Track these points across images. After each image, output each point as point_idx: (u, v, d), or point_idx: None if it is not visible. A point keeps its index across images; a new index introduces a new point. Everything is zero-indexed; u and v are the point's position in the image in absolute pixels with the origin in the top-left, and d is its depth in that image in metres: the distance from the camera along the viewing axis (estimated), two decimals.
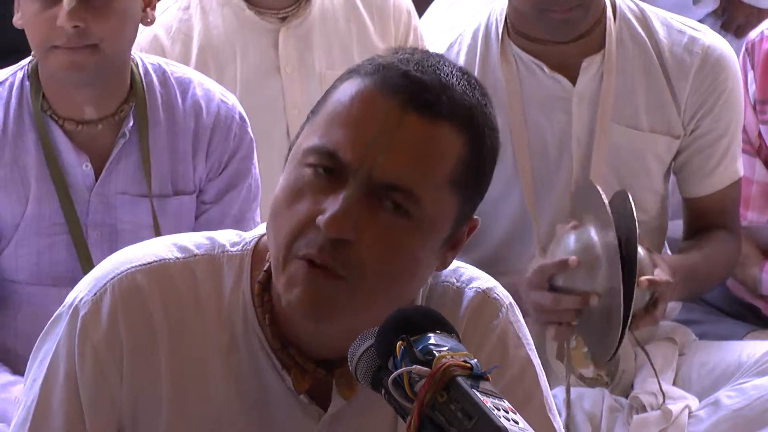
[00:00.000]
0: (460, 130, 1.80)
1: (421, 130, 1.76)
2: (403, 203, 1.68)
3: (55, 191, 3.38)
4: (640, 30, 3.72)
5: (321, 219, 1.61)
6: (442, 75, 1.84)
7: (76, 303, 1.96)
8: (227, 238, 2.00)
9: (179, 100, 3.48)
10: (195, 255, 2.02)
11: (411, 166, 1.75)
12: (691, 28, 3.71)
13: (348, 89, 1.77)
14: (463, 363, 1.60)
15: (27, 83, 3.43)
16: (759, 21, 4.78)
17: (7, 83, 3.44)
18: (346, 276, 1.70)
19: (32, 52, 3.38)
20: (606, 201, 3.39)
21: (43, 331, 2.04)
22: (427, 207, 1.75)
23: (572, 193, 3.55)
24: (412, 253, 1.79)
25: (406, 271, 1.81)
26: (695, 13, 5.29)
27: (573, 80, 3.53)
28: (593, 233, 3.36)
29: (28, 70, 3.37)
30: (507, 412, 1.52)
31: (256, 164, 3.50)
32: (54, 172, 3.39)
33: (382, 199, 1.67)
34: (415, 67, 1.82)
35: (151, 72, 3.38)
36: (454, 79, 1.84)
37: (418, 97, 1.76)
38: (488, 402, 1.51)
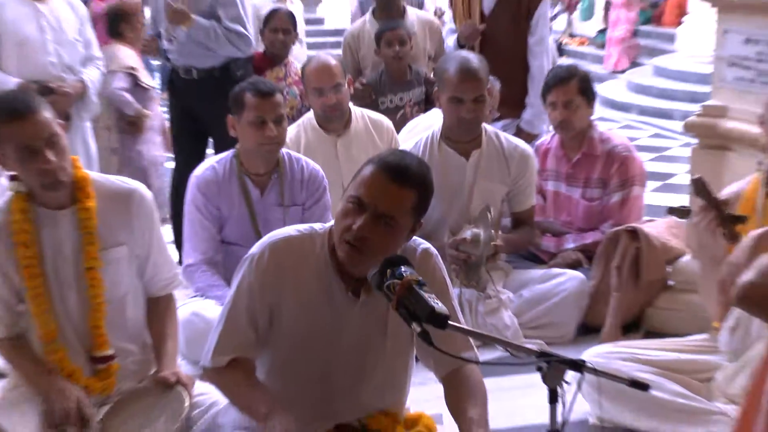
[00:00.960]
0: (414, 188, 3.05)
1: (396, 189, 3.01)
2: (389, 222, 2.99)
3: (245, 203, 4.94)
4: (494, 139, 5.39)
5: (354, 227, 2.96)
6: (407, 162, 3.11)
7: (251, 254, 3.22)
8: (317, 225, 3.27)
9: (296, 166, 5.06)
10: (304, 232, 3.25)
11: (392, 206, 2.99)
12: (515, 141, 5.48)
13: (367, 169, 3.02)
14: (415, 278, 2.78)
15: (234, 159, 4.98)
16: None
17: (225, 159, 5.01)
18: (363, 250, 2.98)
19: (237, 145, 4.97)
20: (488, 213, 5.11)
21: (238, 266, 3.31)
22: (400, 222, 3.02)
23: (470, 210, 5.30)
24: (393, 241, 3.07)
25: (389, 248, 3.03)
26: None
27: (467, 158, 5.33)
28: (475, 228, 5.11)
29: (235, 152, 4.99)
30: (435, 301, 2.73)
31: (328, 195, 5.16)
32: (245, 194, 4.96)
33: (379, 220, 2.97)
34: (394, 159, 3.11)
35: (285, 154, 5.09)
36: (414, 163, 3.11)
37: (395, 174, 3.01)
38: (425, 295, 2.71)
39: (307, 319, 3.14)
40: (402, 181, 2.95)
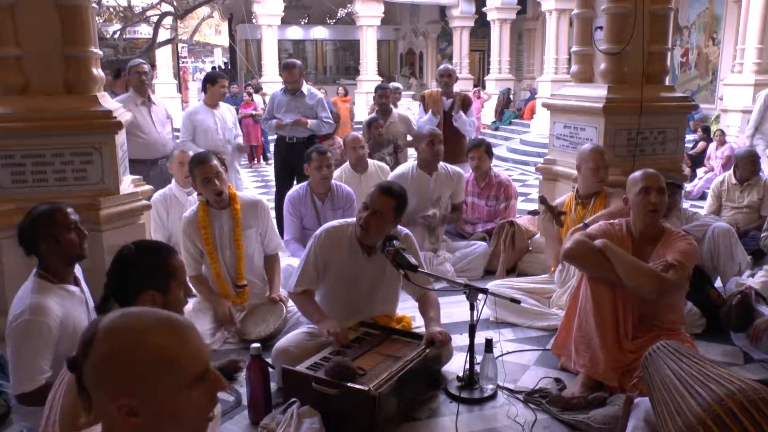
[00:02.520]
0: (394, 198, 3.21)
1: (385, 198, 3.19)
2: (380, 215, 3.16)
3: (313, 209, 4.73)
4: (444, 168, 5.07)
5: (362, 217, 3.18)
6: (392, 186, 3.28)
7: (316, 234, 3.36)
8: (350, 219, 3.40)
9: (340, 190, 4.80)
10: (342, 223, 3.41)
11: (381, 206, 3.17)
12: (455, 168, 5.15)
13: (372, 190, 3.26)
14: (401, 247, 3.14)
15: (308, 186, 4.76)
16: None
17: (303, 186, 4.83)
18: (367, 230, 3.17)
19: (309, 179, 4.75)
20: (440, 202, 4.97)
21: (309, 241, 3.42)
22: (386, 216, 3.19)
23: (432, 201, 4.96)
24: (383, 226, 3.21)
25: (381, 230, 3.20)
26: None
27: (431, 176, 5.01)
28: (434, 209, 4.90)
29: (308, 183, 4.75)
30: (411, 258, 3.10)
31: (356, 204, 4.68)
32: (314, 204, 4.72)
33: (375, 214, 3.15)
34: (385, 184, 3.31)
35: (334, 183, 4.78)
36: (396, 187, 3.29)
37: (383, 191, 3.20)
38: (406, 255, 3.11)
39: (343, 267, 3.34)
40: (387, 194, 3.21)
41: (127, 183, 3.98)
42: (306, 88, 6.10)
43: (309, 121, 5.96)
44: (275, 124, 6.06)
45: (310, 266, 3.33)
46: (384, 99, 6.78)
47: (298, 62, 6.09)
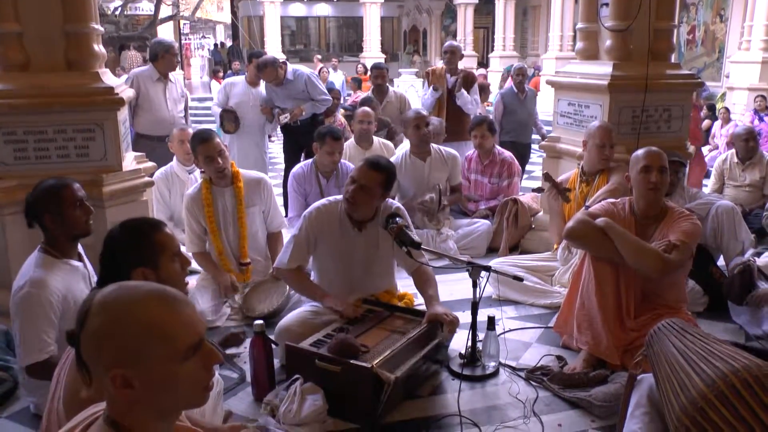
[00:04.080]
0: (381, 172, 3.16)
1: (372, 174, 3.15)
2: (366, 190, 3.12)
3: (318, 186, 4.69)
4: (438, 151, 5.12)
5: (349, 191, 3.13)
6: (380, 161, 3.24)
7: (306, 212, 3.36)
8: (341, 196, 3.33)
9: (345, 168, 4.68)
10: (333, 201, 3.36)
11: (367, 180, 3.13)
12: (449, 150, 5.21)
13: (360, 165, 3.23)
14: (404, 224, 3.17)
15: (313, 163, 4.73)
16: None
17: (308, 163, 4.79)
18: (353, 204, 3.14)
19: (315, 156, 4.71)
20: (438, 187, 4.94)
21: (300, 218, 3.50)
22: (373, 191, 3.14)
23: (428, 186, 5.00)
24: (370, 201, 3.19)
25: (367, 204, 3.19)
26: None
27: (424, 161, 5.08)
28: (431, 194, 4.90)
29: (314, 160, 4.73)
30: (414, 235, 3.20)
31: None
32: (318, 181, 4.69)
33: (362, 188, 3.11)
34: (373, 158, 3.25)
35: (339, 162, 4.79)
36: (384, 161, 3.27)
37: (370, 165, 3.17)
38: (409, 233, 3.16)
39: (335, 243, 3.34)
40: (374, 168, 3.18)
41: (130, 160, 3.98)
42: (291, 71, 5.99)
43: (303, 108, 5.96)
44: (272, 127, 6.27)
45: (302, 242, 3.33)
46: (380, 79, 6.75)
47: (270, 59, 5.96)
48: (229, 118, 6.00)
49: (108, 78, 3.84)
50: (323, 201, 3.44)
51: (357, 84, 13.07)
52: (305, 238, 3.33)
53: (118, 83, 3.98)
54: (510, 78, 7.80)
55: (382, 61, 19.33)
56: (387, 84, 6.95)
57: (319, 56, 18.56)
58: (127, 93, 3.97)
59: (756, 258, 3.82)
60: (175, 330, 1.21)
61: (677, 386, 2.04)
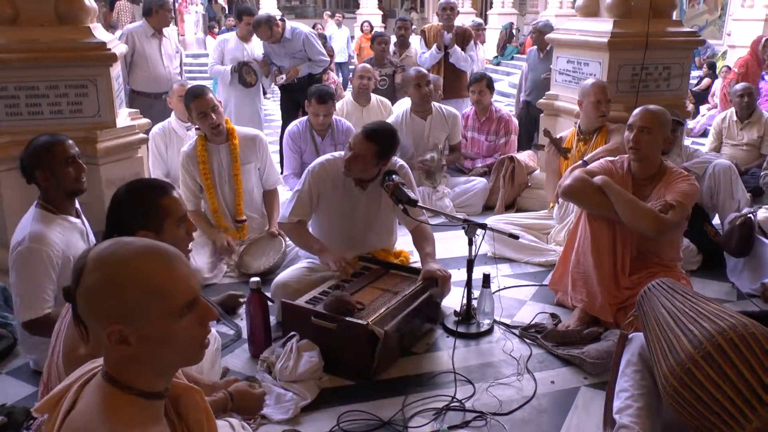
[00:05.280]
0: (376, 143, 3.12)
1: (366, 144, 3.11)
2: (362, 160, 3.10)
3: (313, 144, 4.70)
4: (439, 109, 5.08)
5: (345, 158, 3.12)
6: (378, 129, 3.16)
7: (310, 166, 3.34)
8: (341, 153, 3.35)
9: (340, 125, 4.77)
10: (338, 157, 3.30)
11: (360, 150, 3.10)
12: (450, 109, 5.19)
13: (357, 133, 3.19)
14: (400, 181, 3.12)
15: (307, 121, 4.71)
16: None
17: (303, 121, 4.78)
18: (350, 169, 3.13)
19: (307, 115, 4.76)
20: (438, 146, 4.94)
21: (304, 173, 3.39)
22: (368, 159, 3.11)
23: (428, 145, 4.97)
24: (364, 167, 3.14)
25: (363, 170, 3.15)
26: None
27: (425, 120, 5.04)
28: (431, 153, 4.87)
29: (308, 118, 4.72)
30: (410, 192, 3.09)
31: None
32: (313, 139, 4.69)
33: (357, 157, 3.10)
34: (370, 126, 3.18)
35: (334, 119, 4.76)
36: (378, 130, 3.16)
37: (366, 134, 3.11)
38: (406, 189, 3.08)
39: (338, 200, 3.34)
40: (369, 138, 3.13)
41: (124, 116, 3.94)
42: (289, 30, 5.88)
43: (299, 68, 5.90)
44: (268, 83, 6.23)
45: (305, 196, 3.32)
46: (403, 30, 6.79)
47: (263, 17, 5.84)
48: (248, 71, 5.92)
49: (100, 33, 3.78)
50: (327, 156, 3.42)
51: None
52: (308, 193, 3.31)
53: (111, 38, 3.92)
54: (530, 38, 7.61)
55: (379, 18, 19.14)
56: (409, 39, 6.96)
57: (329, 12, 18.14)
58: (119, 48, 3.92)
59: (755, 213, 3.81)
60: (171, 286, 1.20)
61: (666, 347, 2.05)
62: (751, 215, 3.64)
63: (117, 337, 1.18)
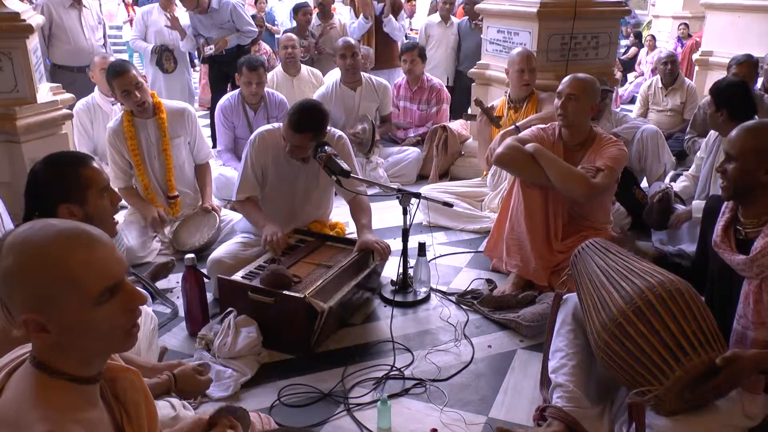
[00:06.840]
0: (309, 132, 3.05)
1: (299, 137, 3.05)
2: (301, 149, 3.07)
3: (245, 118, 4.64)
4: (369, 80, 5.07)
5: (287, 149, 3.12)
6: (300, 120, 3.03)
7: (251, 139, 3.28)
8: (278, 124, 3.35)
9: (273, 98, 4.69)
10: (278, 127, 3.26)
11: (299, 143, 3.04)
12: (380, 80, 5.15)
13: (287, 129, 3.08)
14: (333, 152, 3.04)
15: (239, 95, 4.64)
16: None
17: (235, 94, 4.70)
18: (294, 156, 3.11)
19: (239, 87, 4.67)
20: (368, 117, 4.92)
21: (245, 147, 3.33)
22: (305, 147, 3.07)
23: (359, 116, 4.97)
24: (305, 149, 3.08)
25: (303, 152, 3.09)
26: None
27: (355, 91, 5.02)
28: (362, 125, 4.90)
29: (240, 91, 4.64)
30: (343, 163, 2.98)
31: None
32: (245, 113, 4.63)
33: (297, 148, 3.06)
34: (296, 119, 3.04)
35: (267, 92, 4.70)
36: (302, 118, 3.04)
37: (296, 130, 3.04)
38: (338, 161, 2.99)
39: (280, 172, 3.31)
40: (300, 131, 3.07)
41: (45, 91, 3.79)
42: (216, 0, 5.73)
43: (228, 39, 5.73)
44: (190, 46, 6.01)
45: (249, 172, 3.28)
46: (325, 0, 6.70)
47: None
48: (167, 57, 5.81)
49: (12, 3, 3.60)
50: (267, 127, 3.37)
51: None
52: (251, 167, 3.27)
53: (25, 8, 3.73)
54: (462, 7, 7.55)
55: None
56: (330, 7, 6.87)
57: None
58: (35, 19, 3.75)
59: (672, 184, 3.96)
60: (85, 273, 1.13)
61: (598, 303, 2.12)
62: (668, 188, 3.75)
63: (34, 325, 1.12)
